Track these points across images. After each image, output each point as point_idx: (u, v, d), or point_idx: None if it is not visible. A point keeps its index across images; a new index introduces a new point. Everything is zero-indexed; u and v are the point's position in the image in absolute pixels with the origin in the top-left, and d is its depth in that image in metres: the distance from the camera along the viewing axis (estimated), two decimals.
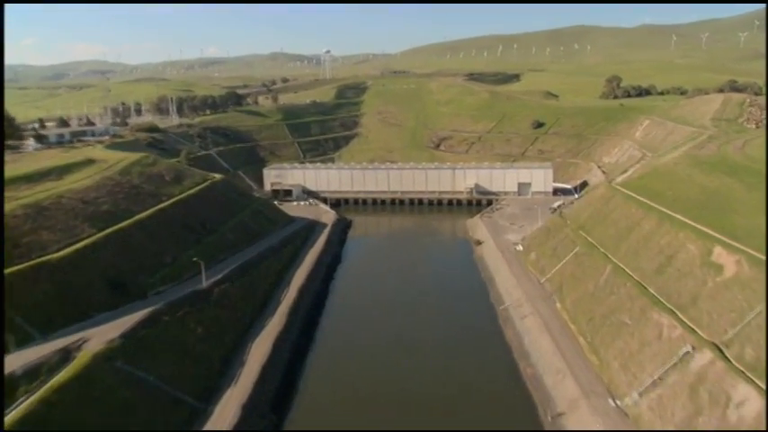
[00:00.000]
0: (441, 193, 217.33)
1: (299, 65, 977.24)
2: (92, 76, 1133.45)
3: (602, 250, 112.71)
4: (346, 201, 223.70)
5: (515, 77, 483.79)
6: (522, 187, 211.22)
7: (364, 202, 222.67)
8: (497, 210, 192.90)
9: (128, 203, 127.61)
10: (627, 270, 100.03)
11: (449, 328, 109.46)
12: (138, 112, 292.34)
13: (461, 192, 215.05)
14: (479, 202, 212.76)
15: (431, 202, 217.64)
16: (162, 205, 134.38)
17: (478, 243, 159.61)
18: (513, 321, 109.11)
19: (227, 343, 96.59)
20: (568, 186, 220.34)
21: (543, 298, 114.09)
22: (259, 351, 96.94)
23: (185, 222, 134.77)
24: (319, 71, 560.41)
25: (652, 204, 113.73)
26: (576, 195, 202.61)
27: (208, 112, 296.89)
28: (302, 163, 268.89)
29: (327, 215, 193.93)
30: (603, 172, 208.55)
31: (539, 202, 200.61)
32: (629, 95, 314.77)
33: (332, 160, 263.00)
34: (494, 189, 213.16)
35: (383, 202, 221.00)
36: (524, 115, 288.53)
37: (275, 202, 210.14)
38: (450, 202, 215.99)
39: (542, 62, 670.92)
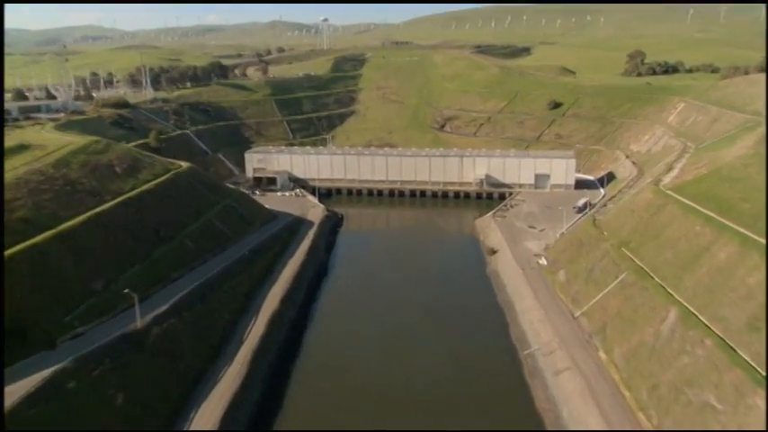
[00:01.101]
0: (446, 184, 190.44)
1: (297, 34, 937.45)
2: (82, 42, 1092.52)
3: (658, 281, 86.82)
4: (339, 190, 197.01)
5: (526, 51, 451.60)
6: (540, 179, 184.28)
7: (359, 192, 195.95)
8: (512, 207, 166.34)
9: (55, 206, 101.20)
10: (702, 318, 74.17)
11: (458, 382, 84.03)
12: (110, 84, 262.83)
13: (470, 183, 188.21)
14: (490, 196, 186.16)
15: (435, 195, 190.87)
16: (103, 207, 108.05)
17: (492, 252, 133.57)
18: (543, 376, 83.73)
19: (161, 413, 71.19)
20: (591, 178, 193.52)
21: (581, 341, 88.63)
22: (206, 421, 71.75)
23: (132, 229, 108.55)
24: (317, 41, 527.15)
25: (725, 222, 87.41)
26: (602, 190, 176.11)
27: (188, 85, 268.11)
28: (291, 144, 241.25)
29: (315, 210, 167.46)
30: (634, 163, 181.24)
31: (560, 197, 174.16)
32: (654, 73, 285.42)
33: (324, 141, 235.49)
34: (507, 181, 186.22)
35: (380, 192, 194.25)
36: (539, 94, 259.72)
37: (257, 192, 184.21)
38: (456, 195, 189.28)
39: (552, 34, 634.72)
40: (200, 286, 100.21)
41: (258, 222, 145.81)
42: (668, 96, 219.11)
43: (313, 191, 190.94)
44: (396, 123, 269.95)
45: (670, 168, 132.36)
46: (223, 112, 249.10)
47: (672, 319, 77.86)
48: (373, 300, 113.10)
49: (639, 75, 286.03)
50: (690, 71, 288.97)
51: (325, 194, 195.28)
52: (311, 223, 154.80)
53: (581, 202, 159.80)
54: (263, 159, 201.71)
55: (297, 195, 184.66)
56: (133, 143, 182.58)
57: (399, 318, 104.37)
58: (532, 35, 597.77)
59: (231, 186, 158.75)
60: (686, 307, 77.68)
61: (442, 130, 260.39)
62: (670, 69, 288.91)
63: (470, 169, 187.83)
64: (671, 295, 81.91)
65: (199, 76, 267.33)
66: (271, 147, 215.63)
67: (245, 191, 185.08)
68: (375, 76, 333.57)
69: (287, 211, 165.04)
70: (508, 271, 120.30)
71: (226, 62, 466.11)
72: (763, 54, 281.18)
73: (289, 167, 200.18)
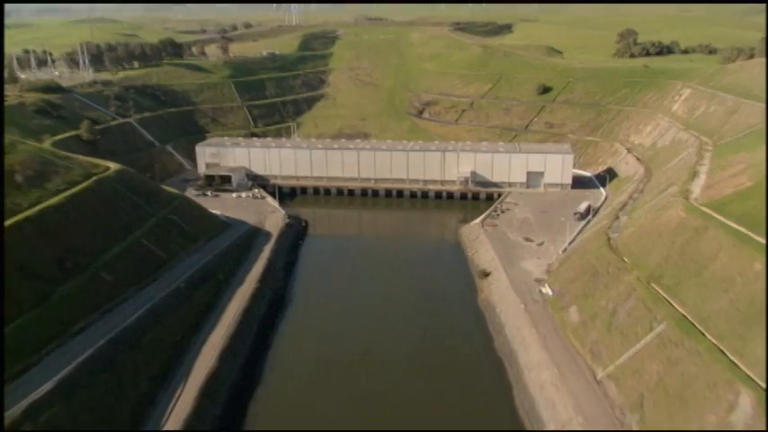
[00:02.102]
0: (426, 182, 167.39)
1: (267, 8, 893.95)
2: (39, 15, 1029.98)
3: (713, 341, 65.77)
4: (304, 190, 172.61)
5: (507, 28, 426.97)
6: (533, 177, 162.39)
7: (327, 191, 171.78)
8: (503, 212, 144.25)
9: None
10: None
11: None
12: (44, 63, 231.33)
13: (453, 182, 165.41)
14: (476, 196, 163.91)
15: (413, 195, 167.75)
16: None
17: (484, 275, 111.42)
18: None
19: None
20: (588, 174, 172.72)
21: (611, 420, 67.27)
22: None
23: (25, 263, 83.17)
24: (286, 17, 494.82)
25: None
26: (603, 191, 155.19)
27: (136, 65, 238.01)
28: (252, 134, 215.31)
29: (274, 217, 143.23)
30: (638, 159, 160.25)
31: (556, 199, 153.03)
32: (647, 54, 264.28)
33: (290, 130, 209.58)
34: (495, 179, 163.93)
35: (351, 192, 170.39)
36: (526, 77, 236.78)
37: (208, 194, 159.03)
38: (438, 195, 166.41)
39: (532, 12, 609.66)
40: (110, 343, 76.03)
41: (204, 237, 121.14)
42: (669, 81, 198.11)
43: (274, 190, 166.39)
44: (369, 109, 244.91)
45: (695, 174, 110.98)
46: (175, 96, 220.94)
47: (745, 408, 56.71)
48: (338, 348, 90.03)
49: (632, 56, 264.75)
50: (686, 52, 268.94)
51: (289, 194, 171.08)
52: (269, 235, 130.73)
53: (582, 207, 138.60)
54: (216, 153, 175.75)
55: (255, 197, 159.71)
56: (60, 136, 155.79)
57: (370, 376, 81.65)
58: (512, 13, 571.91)
59: (173, 192, 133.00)
60: (763, 388, 56.57)
61: (420, 116, 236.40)
62: (665, 50, 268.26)
63: (454, 166, 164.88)
64: (737, 367, 60.74)
65: (148, 55, 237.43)
66: (226, 138, 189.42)
67: (194, 192, 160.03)
68: (347, 56, 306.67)
69: (241, 218, 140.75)
70: (505, 304, 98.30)
71: (187, 38, 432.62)
72: (757, 34, 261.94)
73: (247, 163, 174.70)
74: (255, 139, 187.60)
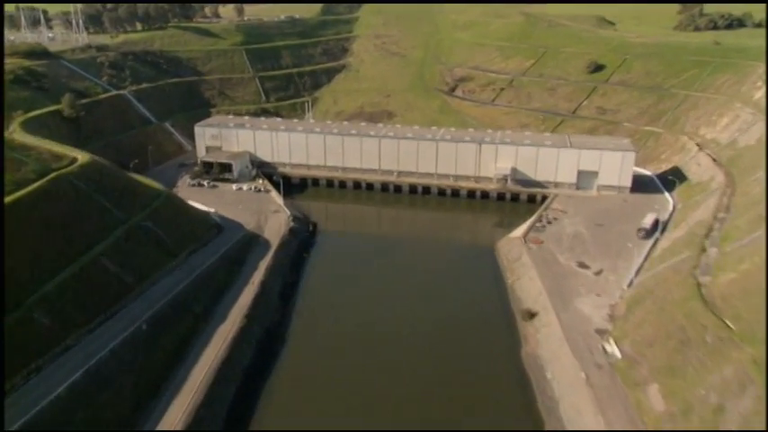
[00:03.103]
0: (458, 178, 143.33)
1: None
2: None
3: None
4: (316, 181, 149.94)
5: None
6: (585, 178, 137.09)
7: (342, 184, 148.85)
8: (549, 223, 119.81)
9: None
10: None
11: None
12: (37, 24, 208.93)
13: (489, 179, 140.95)
14: (516, 197, 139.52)
15: (442, 192, 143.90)
16: None
17: (529, 316, 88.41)
18: None
19: None
20: (648, 173, 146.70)
21: None
22: None
23: None
24: None
25: None
26: (670, 197, 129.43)
27: (139, 27, 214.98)
28: (262, 111, 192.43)
29: (277, 219, 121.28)
30: (714, 160, 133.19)
31: (613, 206, 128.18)
32: (715, 27, 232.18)
33: (306, 106, 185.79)
34: (539, 178, 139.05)
35: (370, 186, 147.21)
36: (574, 52, 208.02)
37: (204, 184, 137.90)
38: (471, 194, 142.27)
39: None
40: (31, 423, 55.56)
41: (187, 249, 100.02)
42: (747, 63, 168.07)
43: (282, 181, 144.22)
44: (395, 83, 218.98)
45: None
46: (179, 64, 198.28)
47: None
48: (345, 412, 68.46)
49: (697, 29, 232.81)
50: (760, 25, 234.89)
51: (299, 185, 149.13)
52: (267, 245, 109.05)
53: (648, 222, 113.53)
54: (218, 135, 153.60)
55: (258, 190, 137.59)
56: (36, 112, 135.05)
57: None
58: None
59: (155, 188, 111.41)
60: None
61: (452, 94, 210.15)
62: (735, 23, 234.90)
63: (491, 160, 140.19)
64: None
65: (153, 16, 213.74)
66: (231, 116, 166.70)
67: (189, 181, 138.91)
68: (373, 22, 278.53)
69: (238, 218, 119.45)
70: (559, 367, 75.39)
71: None
72: None
73: (252, 147, 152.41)
74: (263, 119, 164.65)
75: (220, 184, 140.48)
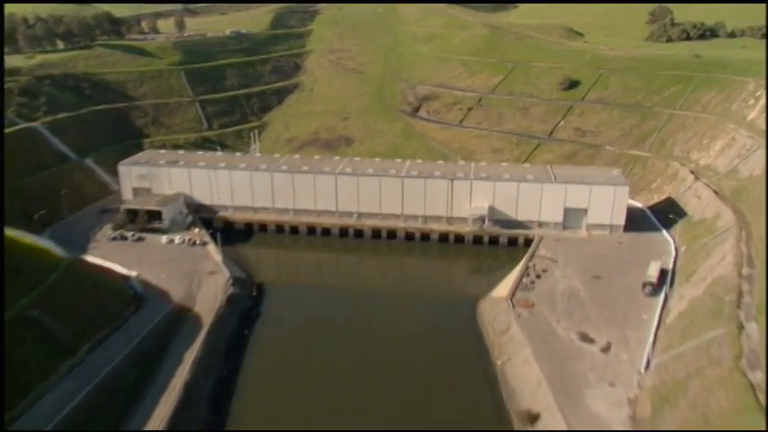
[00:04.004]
0: (428, 219, 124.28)
1: None
2: None
3: None
4: (263, 227, 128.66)
5: (510, 2, 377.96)
6: (572, 216, 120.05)
7: (294, 230, 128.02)
8: (538, 277, 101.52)
9: None
10: None
11: None
12: None
13: (464, 219, 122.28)
14: (495, 241, 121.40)
15: (409, 237, 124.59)
16: None
17: (530, 419, 69.44)
18: None
19: None
20: (639, 205, 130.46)
21: None
22: None
23: None
24: None
25: None
26: (669, 237, 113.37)
27: (60, 46, 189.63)
28: (204, 140, 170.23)
29: (213, 283, 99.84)
30: (716, 192, 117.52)
31: (607, 250, 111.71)
32: (688, 38, 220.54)
33: (252, 136, 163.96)
34: (521, 217, 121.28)
35: (326, 231, 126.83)
36: (545, 67, 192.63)
37: (128, 237, 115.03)
38: (443, 238, 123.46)
39: None
40: None
41: (90, 340, 78.03)
42: (732, 77, 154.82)
43: (223, 228, 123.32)
44: (353, 104, 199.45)
45: None
46: (105, 89, 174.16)
47: None
48: None
49: (670, 40, 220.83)
50: (732, 35, 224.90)
51: (243, 232, 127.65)
52: (198, 324, 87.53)
53: (654, 273, 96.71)
54: (146, 175, 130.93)
55: (192, 243, 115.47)
56: None
57: None
58: None
59: (54, 257, 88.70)
60: None
61: (416, 115, 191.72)
62: (708, 33, 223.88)
63: (465, 198, 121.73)
64: None
65: (75, 34, 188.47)
66: (163, 151, 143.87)
67: (109, 234, 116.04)
68: (328, 35, 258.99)
69: (164, 285, 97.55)
70: None
71: (149, 10, 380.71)
72: None
73: (187, 187, 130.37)
74: (200, 153, 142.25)
75: (148, 236, 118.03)
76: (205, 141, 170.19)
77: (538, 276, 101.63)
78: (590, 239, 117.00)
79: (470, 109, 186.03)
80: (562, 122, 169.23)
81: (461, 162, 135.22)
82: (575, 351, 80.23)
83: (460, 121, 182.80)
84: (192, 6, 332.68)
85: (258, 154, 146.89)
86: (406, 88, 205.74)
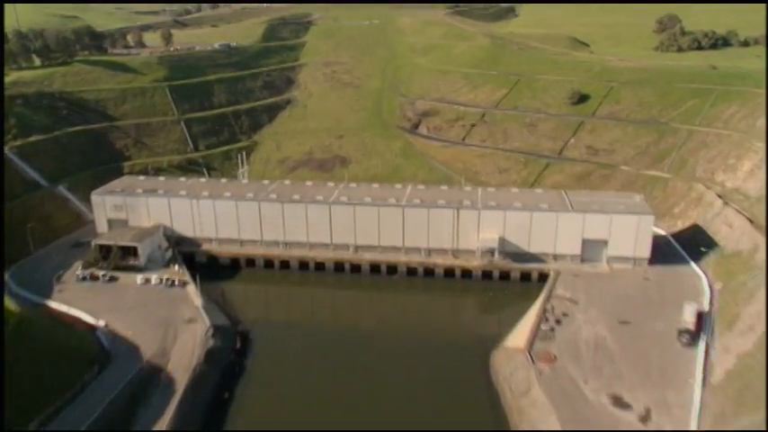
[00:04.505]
0: (431, 252, 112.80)
1: None
2: None
3: None
4: (251, 262, 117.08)
5: (511, 11, 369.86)
6: (591, 248, 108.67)
7: (284, 264, 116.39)
8: (559, 322, 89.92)
9: None
10: None
11: None
12: None
13: (472, 252, 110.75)
14: (506, 275, 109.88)
15: (412, 272, 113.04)
16: None
17: None
18: None
19: None
20: (661, 232, 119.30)
21: None
22: None
23: None
24: None
25: None
26: (701, 271, 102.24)
27: (37, 62, 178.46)
28: (190, 162, 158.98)
29: (190, 333, 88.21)
30: (750, 221, 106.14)
31: (632, 287, 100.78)
32: (699, 47, 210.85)
33: (240, 159, 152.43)
34: (534, 249, 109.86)
35: (320, 266, 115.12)
36: (552, 80, 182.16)
37: (99, 277, 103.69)
38: (449, 273, 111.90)
39: None
40: None
41: (38, 417, 65.86)
42: (754, 90, 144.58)
43: (207, 262, 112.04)
44: (349, 121, 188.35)
45: None
46: (84, 108, 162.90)
47: None
48: None
49: (680, 50, 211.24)
50: (746, 44, 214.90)
51: (229, 268, 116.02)
52: (170, 386, 75.72)
53: (690, 318, 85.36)
54: (122, 205, 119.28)
55: (170, 284, 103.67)
56: None
57: None
58: None
59: (7, 308, 76.83)
60: None
61: (416, 132, 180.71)
62: (720, 43, 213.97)
63: (472, 229, 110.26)
64: None
65: (52, 49, 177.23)
66: (142, 178, 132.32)
67: (79, 273, 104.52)
68: (322, 47, 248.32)
69: (135, 337, 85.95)
70: None
71: (140, 20, 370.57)
72: None
73: (167, 218, 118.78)
74: (182, 180, 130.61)
75: (122, 275, 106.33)
76: (190, 164, 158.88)
77: (558, 322, 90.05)
78: (612, 274, 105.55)
79: (473, 125, 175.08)
80: (572, 140, 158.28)
81: (467, 188, 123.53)
82: (609, 420, 68.69)
83: (463, 139, 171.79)
84: (181, 18, 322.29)
85: (245, 180, 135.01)
86: (404, 103, 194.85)
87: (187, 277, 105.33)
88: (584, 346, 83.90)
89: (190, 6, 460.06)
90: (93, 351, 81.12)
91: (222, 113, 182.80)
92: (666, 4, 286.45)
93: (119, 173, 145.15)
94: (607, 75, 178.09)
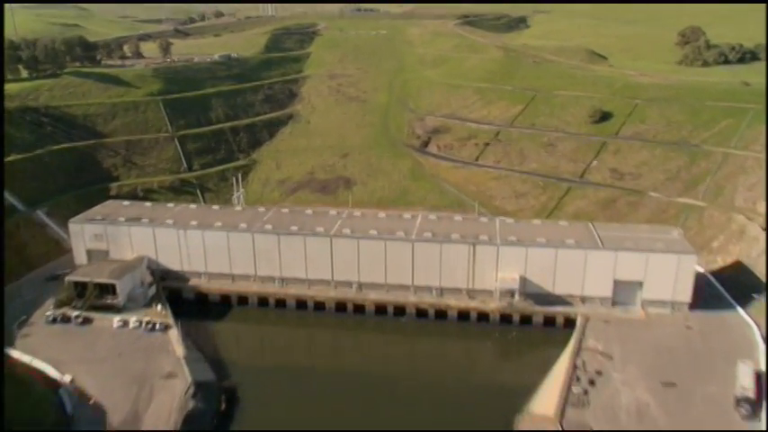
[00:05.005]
0: (444, 292, 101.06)
1: None
2: None
3: None
4: (243, 299, 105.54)
5: (522, 22, 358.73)
6: (624, 290, 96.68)
7: (280, 303, 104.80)
8: (592, 382, 77.81)
9: None
10: None
11: None
12: None
13: (489, 293, 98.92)
14: (527, 319, 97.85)
15: (422, 314, 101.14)
16: None
17: None
18: None
19: None
20: (699, 269, 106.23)
21: None
22: None
23: None
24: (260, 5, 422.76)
25: None
26: (753, 322, 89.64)
27: (24, 74, 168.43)
28: (183, 183, 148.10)
29: (166, 393, 76.55)
30: None
31: (673, 337, 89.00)
32: (726, 61, 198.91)
33: (234, 183, 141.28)
34: (560, 290, 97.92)
35: (320, 306, 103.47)
36: (571, 96, 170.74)
37: (72, 318, 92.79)
38: (463, 315, 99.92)
39: (546, 4, 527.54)
40: None
41: None
42: None
43: (195, 299, 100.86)
44: (354, 138, 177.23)
45: None
46: (71, 124, 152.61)
47: None
48: None
49: (706, 64, 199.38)
50: None
51: (219, 306, 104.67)
52: None
53: (746, 380, 73.24)
54: (103, 235, 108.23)
55: (150, 327, 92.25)
56: None
57: None
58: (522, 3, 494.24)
59: None
60: None
61: (425, 150, 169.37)
62: (748, 57, 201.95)
63: (490, 267, 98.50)
64: None
65: (40, 60, 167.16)
66: (126, 203, 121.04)
67: (50, 314, 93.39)
68: (328, 58, 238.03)
69: (103, 397, 74.33)
70: None
71: (143, 29, 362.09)
72: None
73: (151, 250, 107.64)
74: (170, 206, 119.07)
75: (97, 317, 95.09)
76: (183, 185, 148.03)
77: (591, 383, 77.96)
78: (648, 321, 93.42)
79: (487, 144, 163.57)
80: (595, 162, 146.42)
81: (483, 219, 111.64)
82: None
83: (476, 159, 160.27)
84: (183, 27, 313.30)
85: (240, 206, 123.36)
86: (413, 119, 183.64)
87: (170, 320, 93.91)
88: (624, 415, 71.85)
89: (194, 15, 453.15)
90: (52, 417, 69.63)
91: (219, 129, 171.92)
92: (683, 14, 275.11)
93: (105, 195, 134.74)
94: (630, 91, 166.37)
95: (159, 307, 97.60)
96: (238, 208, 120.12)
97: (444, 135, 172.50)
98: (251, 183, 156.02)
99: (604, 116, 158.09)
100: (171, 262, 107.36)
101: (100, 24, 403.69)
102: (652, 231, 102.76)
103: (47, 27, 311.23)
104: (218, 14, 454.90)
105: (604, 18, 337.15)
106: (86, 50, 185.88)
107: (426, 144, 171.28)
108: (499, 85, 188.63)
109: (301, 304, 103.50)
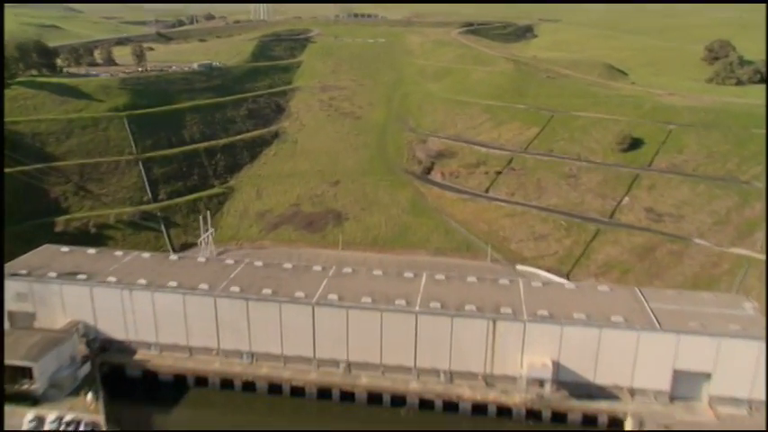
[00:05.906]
0: (455, 378, 79.80)
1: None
2: None
3: None
4: (202, 380, 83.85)
5: (529, 31, 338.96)
6: (686, 382, 75.65)
7: (248, 386, 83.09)
8: None
9: None
10: None
11: None
12: None
13: (513, 380, 77.77)
14: (561, 417, 76.50)
15: (426, 405, 79.60)
16: None
17: None
18: None
19: None
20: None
21: None
22: None
23: None
24: (252, 8, 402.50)
25: None
26: None
27: None
28: (144, 217, 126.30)
29: None
30: None
31: None
32: (762, 80, 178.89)
33: (201, 225, 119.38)
34: (602, 380, 76.82)
35: (297, 392, 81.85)
36: (593, 118, 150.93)
37: None
38: (479, 409, 78.51)
39: (550, 10, 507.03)
40: None
41: None
42: None
43: (143, 377, 79.51)
44: (347, 161, 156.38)
45: None
46: (15, 145, 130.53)
47: None
48: None
49: (740, 83, 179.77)
50: None
51: (172, 386, 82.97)
52: None
53: None
54: (29, 294, 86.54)
55: (72, 428, 70.48)
56: None
57: None
58: (524, 8, 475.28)
59: None
60: None
61: (428, 177, 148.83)
62: None
63: (515, 347, 77.40)
64: None
65: None
66: (64, 250, 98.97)
67: None
68: (320, 69, 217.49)
69: None
70: None
71: (127, 31, 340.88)
72: None
73: (89, 314, 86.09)
74: (119, 254, 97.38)
75: (7, 409, 72.98)
76: (145, 218, 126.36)
77: None
78: (720, 425, 72.38)
79: (499, 173, 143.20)
80: (627, 199, 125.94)
81: (503, 280, 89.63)
82: None
83: (486, 190, 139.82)
84: (166, 31, 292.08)
85: (203, 258, 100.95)
86: (414, 140, 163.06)
87: (100, 416, 72.20)
88: None
89: (184, 18, 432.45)
90: None
91: (193, 151, 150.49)
92: (696, 26, 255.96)
93: (49, 231, 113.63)
94: (661, 114, 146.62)
95: (89, 396, 75.83)
96: (201, 259, 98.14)
97: (449, 160, 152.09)
98: (226, 215, 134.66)
99: (634, 143, 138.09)
100: (113, 329, 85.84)
101: (82, 26, 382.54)
102: (718, 304, 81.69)
103: (19, 28, 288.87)
104: (209, 17, 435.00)
105: (614, 28, 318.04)
106: (44, 57, 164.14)
107: (429, 170, 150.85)
108: (510, 102, 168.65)
109: (275, 388, 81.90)
